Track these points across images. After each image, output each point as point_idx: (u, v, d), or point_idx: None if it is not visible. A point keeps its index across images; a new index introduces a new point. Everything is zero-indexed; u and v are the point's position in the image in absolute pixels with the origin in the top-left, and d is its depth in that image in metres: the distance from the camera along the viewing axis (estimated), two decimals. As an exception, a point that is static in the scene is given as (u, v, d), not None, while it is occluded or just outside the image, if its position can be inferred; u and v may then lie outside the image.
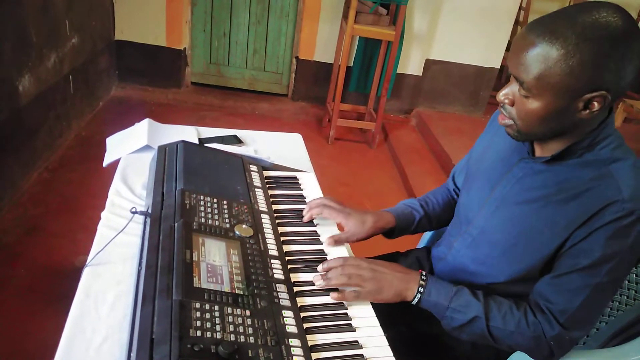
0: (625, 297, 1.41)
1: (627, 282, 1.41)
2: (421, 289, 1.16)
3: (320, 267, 1.18)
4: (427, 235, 1.68)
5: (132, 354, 0.88)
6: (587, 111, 0.99)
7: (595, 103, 0.97)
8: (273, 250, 1.20)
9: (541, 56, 0.95)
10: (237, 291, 1.01)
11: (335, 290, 1.14)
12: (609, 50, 0.92)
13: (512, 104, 1.05)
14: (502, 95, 1.06)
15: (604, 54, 0.92)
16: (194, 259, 1.04)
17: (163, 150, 1.45)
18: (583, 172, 1.06)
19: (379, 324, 1.10)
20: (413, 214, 1.45)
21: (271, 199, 1.43)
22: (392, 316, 1.15)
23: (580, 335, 1.12)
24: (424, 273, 1.18)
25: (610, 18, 0.92)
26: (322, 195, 1.47)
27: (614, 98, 0.98)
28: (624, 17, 0.93)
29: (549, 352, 1.12)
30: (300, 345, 0.96)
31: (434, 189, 1.56)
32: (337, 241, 1.32)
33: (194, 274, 1.00)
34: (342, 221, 1.36)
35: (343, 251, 1.31)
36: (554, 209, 1.09)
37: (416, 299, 1.16)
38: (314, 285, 1.16)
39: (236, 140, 1.82)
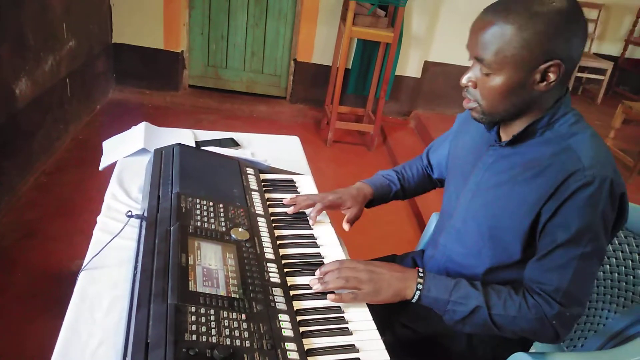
0: (623, 300, 1.41)
1: (624, 284, 1.41)
2: (420, 286, 1.16)
3: (317, 272, 1.18)
4: (424, 238, 1.68)
5: (127, 358, 0.88)
6: (544, 83, 1.06)
7: (551, 74, 1.04)
8: (269, 254, 1.20)
9: (498, 33, 1.03)
10: (233, 295, 1.01)
11: (332, 293, 1.14)
12: (558, 21, 1.01)
13: (475, 86, 1.12)
14: (465, 79, 1.13)
15: (554, 25, 1.01)
16: (189, 262, 1.04)
17: (159, 154, 1.45)
18: (545, 150, 1.11)
19: (375, 328, 1.09)
20: (390, 186, 1.54)
21: (268, 202, 1.43)
22: (388, 318, 1.15)
23: (579, 311, 1.13)
24: (420, 270, 1.19)
25: None
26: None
27: (567, 68, 1.05)
28: None
29: (554, 333, 1.13)
30: (296, 349, 0.96)
31: (410, 161, 1.63)
32: (350, 221, 1.42)
33: (190, 278, 1.00)
34: (340, 204, 1.43)
35: (340, 253, 1.31)
36: (521, 187, 1.13)
37: (416, 297, 1.16)
38: (310, 289, 1.15)
39: (233, 143, 1.82)
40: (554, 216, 1.08)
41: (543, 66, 1.03)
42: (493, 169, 1.20)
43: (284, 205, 1.45)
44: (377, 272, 1.16)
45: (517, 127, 1.15)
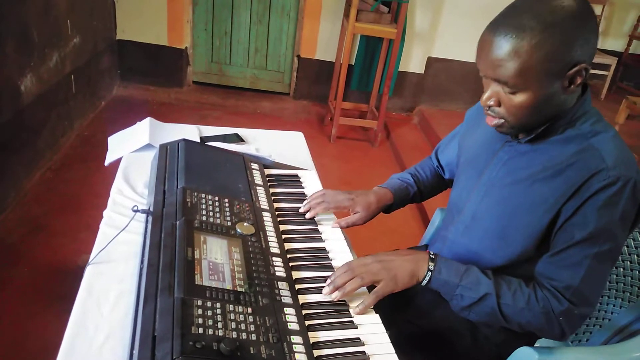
0: (629, 294, 1.41)
1: (630, 278, 1.41)
2: (431, 267, 1.15)
3: (328, 281, 1.14)
4: (428, 232, 1.69)
5: (134, 352, 0.89)
6: (572, 86, 1.04)
7: (578, 77, 1.03)
8: (274, 248, 1.20)
9: (515, 52, 0.99)
10: (238, 289, 1.01)
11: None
12: (574, 27, 0.98)
13: (499, 104, 1.08)
14: (486, 98, 1.09)
15: (572, 31, 0.98)
16: (195, 256, 1.04)
17: (164, 149, 1.45)
18: (566, 148, 1.10)
19: (380, 321, 1.10)
20: (408, 189, 1.51)
21: (272, 197, 1.43)
22: (392, 315, 1.15)
23: (588, 311, 1.13)
24: (432, 252, 1.19)
25: (562, 1, 0.99)
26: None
27: (589, 68, 1.04)
28: None
29: (560, 330, 1.12)
30: (302, 342, 0.96)
31: (421, 162, 1.60)
32: (343, 225, 1.38)
33: (196, 272, 1.00)
34: (350, 208, 1.40)
35: (344, 248, 1.31)
36: (541, 186, 1.11)
37: (427, 278, 1.15)
38: (315, 282, 1.16)
39: (238, 139, 1.82)
40: (573, 215, 1.07)
41: (570, 72, 1.01)
42: (509, 166, 1.18)
43: (288, 200, 1.45)
44: (387, 260, 1.16)
45: (539, 125, 1.12)
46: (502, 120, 1.10)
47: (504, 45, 1.00)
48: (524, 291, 1.13)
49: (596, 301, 1.14)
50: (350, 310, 1.11)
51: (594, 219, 1.05)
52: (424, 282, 1.16)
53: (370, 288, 1.16)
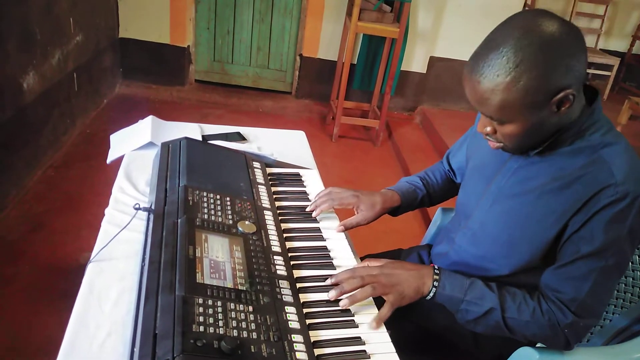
0: (630, 295, 1.41)
1: (631, 279, 1.41)
2: (436, 283, 1.15)
3: (332, 293, 1.13)
4: (430, 232, 1.68)
5: (135, 349, 0.89)
6: (563, 108, 1.01)
7: (565, 101, 0.99)
8: (276, 247, 1.20)
9: (491, 90, 0.98)
10: (239, 287, 1.01)
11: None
12: (549, 57, 0.94)
13: (494, 131, 1.08)
14: (481, 127, 1.10)
15: (548, 62, 0.94)
16: (197, 254, 1.04)
17: (166, 147, 1.46)
18: (576, 160, 1.08)
19: (381, 320, 1.10)
20: (416, 192, 1.49)
21: (274, 196, 1.44)
22: (394, 313, 1.15)
23: (593, 322, 1.13)
24: (436, 267, 1.18)
25: (531, 29, 0.95)
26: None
27: (578, 87, 1.01)
28: (543, 21, 0.96)
29: (565, 341, 1.12)
30: (302, 341, 0.96)
31: (431, 166, 1.59)
32: (347, 226, 1.37)
33: (197, 270, 1.01)
34: (354, 205, 1.40)
35: (346, 247, 1.31)
36: (549, 198, 1.10)
37: (431, 294, 1.15)
38: (316, 281, 1.16)
39: (239, 137, 1.82)
40: (580, 228, 1.06)
41: (555, 99, 0.98)
42: (518, 176, 1.17)
43: (290, 199, 1.45)
44: (395, 274, 1.15)
45: (541, 142, 1.11)
46: (502, 144, 1.10)
47: (482, 83, 0.98)
48: (529, 304, 1.13)
49: (602, 312, 1.14)
50: (350, 308, 1.11)
51: (601, 234, 1.04)
52: (429, 297, 1.16)
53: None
